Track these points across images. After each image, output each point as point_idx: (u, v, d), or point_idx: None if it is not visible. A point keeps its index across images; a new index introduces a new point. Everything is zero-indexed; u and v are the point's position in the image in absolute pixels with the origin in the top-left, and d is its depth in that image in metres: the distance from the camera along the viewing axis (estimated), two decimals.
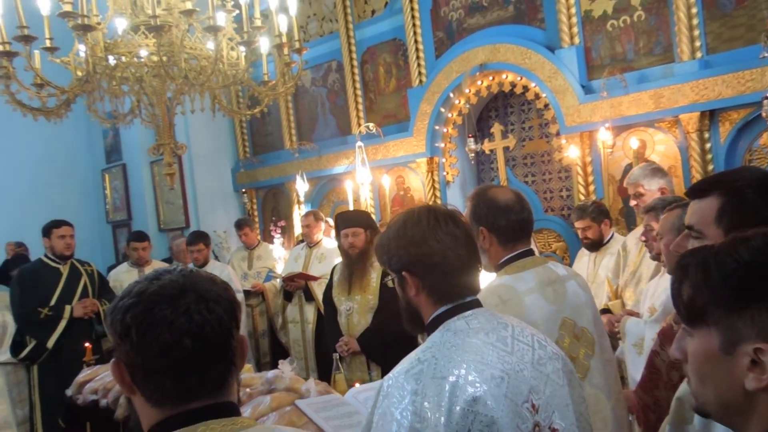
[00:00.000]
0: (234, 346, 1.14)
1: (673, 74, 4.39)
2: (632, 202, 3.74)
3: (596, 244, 4.09)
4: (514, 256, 2.10)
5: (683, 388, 1.61)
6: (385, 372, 3.93)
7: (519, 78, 5.21)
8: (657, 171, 3.70)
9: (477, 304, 1.59)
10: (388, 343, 3.91)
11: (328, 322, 4.41)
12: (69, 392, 3.93)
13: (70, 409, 3.95)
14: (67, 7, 3.29)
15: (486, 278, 1.98)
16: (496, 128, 5.56)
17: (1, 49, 3.40)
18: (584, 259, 4.22)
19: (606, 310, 3.54)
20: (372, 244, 4.21)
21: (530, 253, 2.14)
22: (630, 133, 4.67)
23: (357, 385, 3.13)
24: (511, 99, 5.68)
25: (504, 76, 5.32)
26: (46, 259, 5.13)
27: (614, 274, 3.80)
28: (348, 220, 4.30)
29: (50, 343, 4.86)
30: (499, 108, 5.82)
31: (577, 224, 4.14)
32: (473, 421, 1.36)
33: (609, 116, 4.61)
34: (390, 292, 4.02)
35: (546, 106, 5.09)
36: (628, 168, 4.59)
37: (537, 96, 5.16)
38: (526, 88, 5.23)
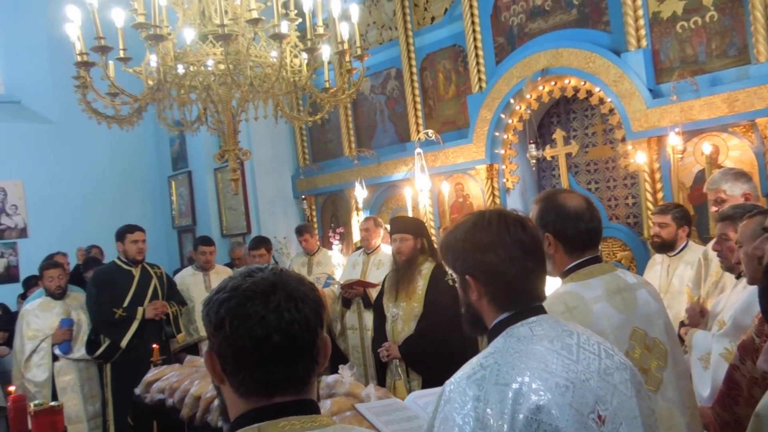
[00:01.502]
0: (318, 345, 1.17)
1: (748, 76, 4.19)
2: (712, 209, 3.51)
3: (665, 246, 3.90)
4: (580, 263, 2.02)
5: (763, 403, 1.52)
6: (424, 382, 3.92)
7: (582, 83, 5.08)
8: (740, 175, 3.47)
9: (541, 310, 1.54)
10: (428, 352, 3.89)
11: (377, 329, 4.41)
12: (137, 391, 4.06)
13: (139, 407, 4.07)
14: (141, 19, 3.43)
15: (552, 283, 1.92)
16: (558, 134, 5.45)
17: (80, 59, 3.58)
18: (656, 267, 4.03)
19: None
20: (421, 252, 4.19)
21: (598, 260, 2.06)
22: (702, 138, 4.48)
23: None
24: (574, 104, 5.55)
25: (566, 81, 5.20)
26: (119, 262, 5.32)
27: (695, 284, 3.61)
28: (399, 225, 4.31)
29: (123, 343, 5.06)
30: (561, 113, 5.70)
31: (655, 218, 3.94)
32: (537, 430, 1.32)
33: (679, 121, 4.43)
34: (435, 301, 3.99)
35: (611, 111, 4.95)
36: (700, 174, 4.39)
37: (601, 101, 5.02)
38: (589, 93, 5.10)
